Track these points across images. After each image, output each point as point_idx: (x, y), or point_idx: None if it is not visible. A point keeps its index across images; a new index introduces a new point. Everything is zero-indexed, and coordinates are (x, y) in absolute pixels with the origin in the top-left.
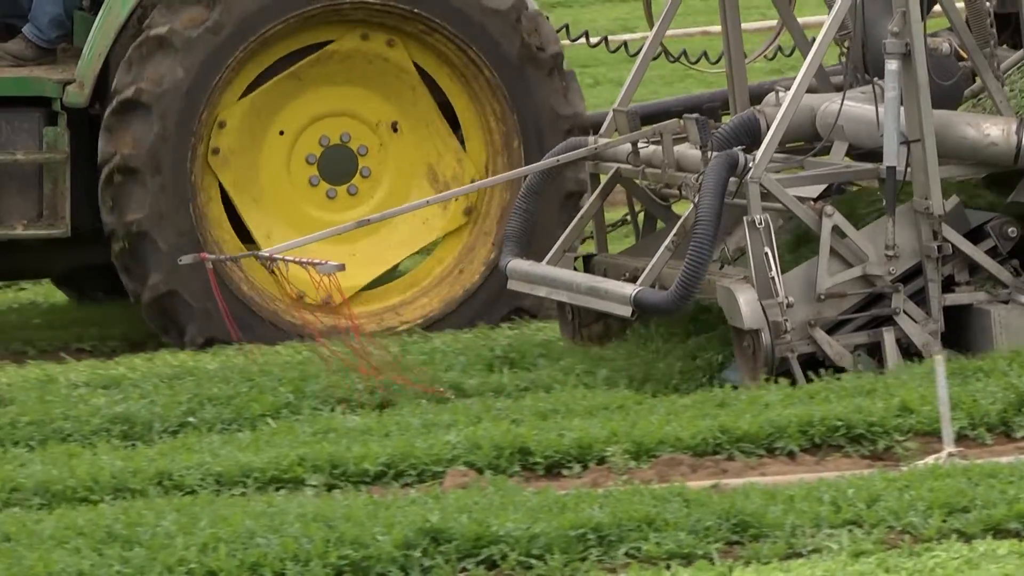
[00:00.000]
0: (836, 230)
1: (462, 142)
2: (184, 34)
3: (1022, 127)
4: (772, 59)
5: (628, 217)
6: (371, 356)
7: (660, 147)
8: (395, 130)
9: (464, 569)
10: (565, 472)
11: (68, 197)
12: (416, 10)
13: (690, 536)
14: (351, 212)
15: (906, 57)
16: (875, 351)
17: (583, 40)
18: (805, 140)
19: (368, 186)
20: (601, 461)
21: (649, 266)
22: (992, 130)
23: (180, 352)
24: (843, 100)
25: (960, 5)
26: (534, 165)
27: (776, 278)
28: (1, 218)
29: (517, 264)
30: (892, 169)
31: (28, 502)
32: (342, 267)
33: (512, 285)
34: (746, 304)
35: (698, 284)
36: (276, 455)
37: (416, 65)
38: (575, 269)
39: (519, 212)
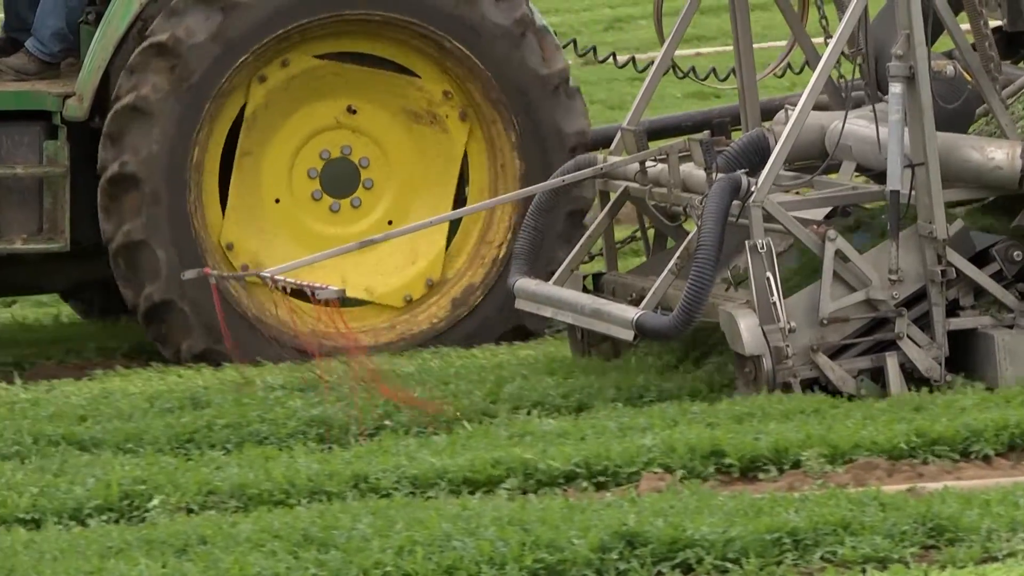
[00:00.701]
0: (839, 254)
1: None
2: (186, 42)
3: None
4: (781, 76)
5: (638, 234)
6: (375, 377)
7: (668, 166)
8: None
9: (660, 573)
10: (761, 476)
11: (68, 211)
12: (419, 22)
13: (886, 540)
14: (355, 226)
15: (910, 80)
16: (879, 376)
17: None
18: (816, 158)
19: (371, 199)
20: (796, 465)
21: (652, 290)
22: (997, 153)
23: (375, 356)
24: (844, 121)
25: (966, 27)
26: (544, 184)
27: (778, 303)
28: (1, 232)
29: (524, 283)
30: (896, 193)
31: (224, 505)
32: (342, 292)
33: (519, 304)
34: (747, 330)
35: (700, 309)
36: (472, 458)
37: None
38: (585, 287)
39: (528, 230)
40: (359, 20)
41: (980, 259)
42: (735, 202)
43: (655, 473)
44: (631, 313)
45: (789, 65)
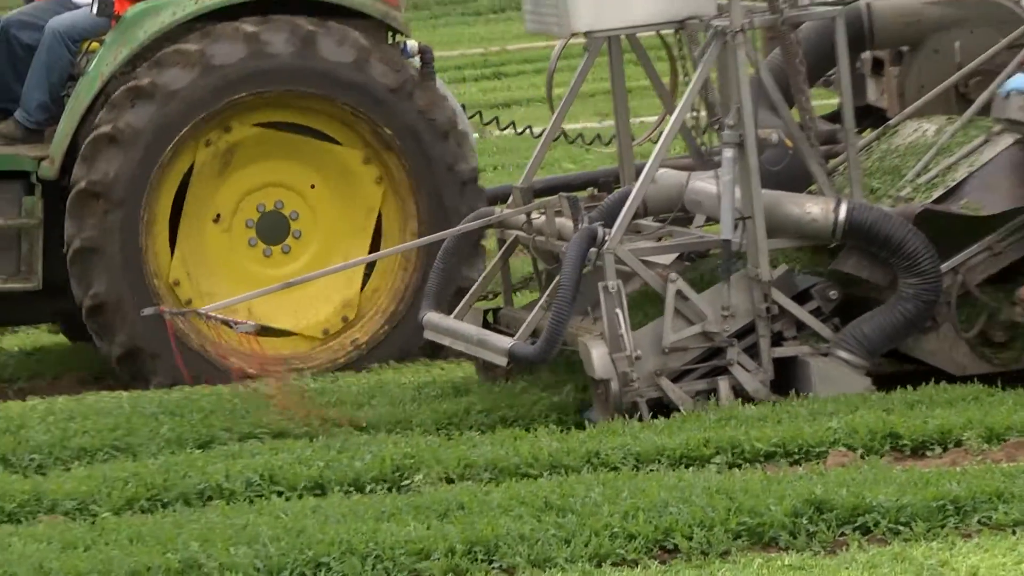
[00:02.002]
0: (679, 293)
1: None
2: (127, 131)
3: (839, 206)
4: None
5: (533, 275)
6: (295, 395)
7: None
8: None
9: (843, 534)
10: (928, 453)
11: (40, 256)
12: (332, 96)
13: None
14: (285, 268)
15: (740, 146)
16: (712, 396)
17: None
18: (679, 211)
19: (300, 246)
20: (958, 444)
21: (524, 323)
22: (813, 209)
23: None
24: (688, 180)
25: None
26: (451, 230)
27: (625, 335)
28: None
29: (431, 317)
30: (728, 242)
31: (479, 476)
32: (258, 327)
33: (427, 335)
34: (598, 357)
35: (559, 340)
36: (686, 438)
37: (330, 139)
38: (486, 320)
39: (437, 271)
40: (283, 94)
41: (802, 297)
42: (592, 249)
43: (840, 451)
44: (506, 343)
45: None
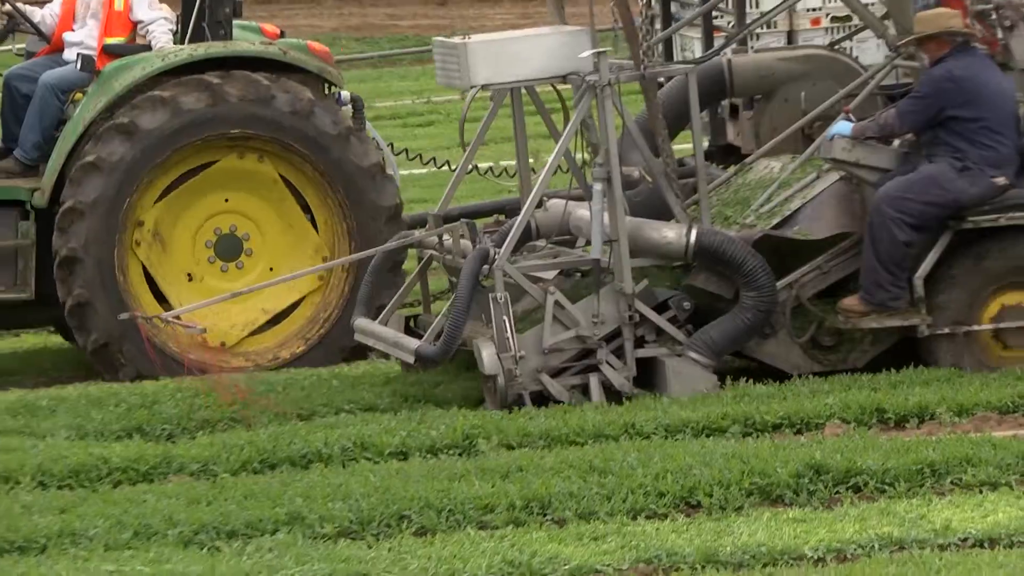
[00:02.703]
0: (557, 303)
1: (316, 226)
2: (108, 160)
3: (691, 231)
4: (555, 174)
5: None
6: (237, 388)
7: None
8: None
9: (837, 492)
10: (908, 425)
11: (34, 271)
12: (272, 141)
13: (996, 470)
14: (239, 281)
15: (607, 181)
16: (586, 390)
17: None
18: (568, 235)
19: (251, 262)
20: (933, 417)
21: (430, 328)
22: (669, 233)
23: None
24: (565, 207)
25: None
26: (378, 248)
27: (511, 338)
28: None
29: (361, 322)
30: (597, 261)
31: (535, 444)
32: (203, 330)
33: (357, 338)
34: (487, 356)
35: (456, 342)
36: (708, 412)
37: (279, 175)
38: (408, 325)
39: (366, 283)
40: (240, 136)
41: (661, 307)
42: (484, 266)
43: (835, 423)
44: (414, 344)
45: (560, 167)
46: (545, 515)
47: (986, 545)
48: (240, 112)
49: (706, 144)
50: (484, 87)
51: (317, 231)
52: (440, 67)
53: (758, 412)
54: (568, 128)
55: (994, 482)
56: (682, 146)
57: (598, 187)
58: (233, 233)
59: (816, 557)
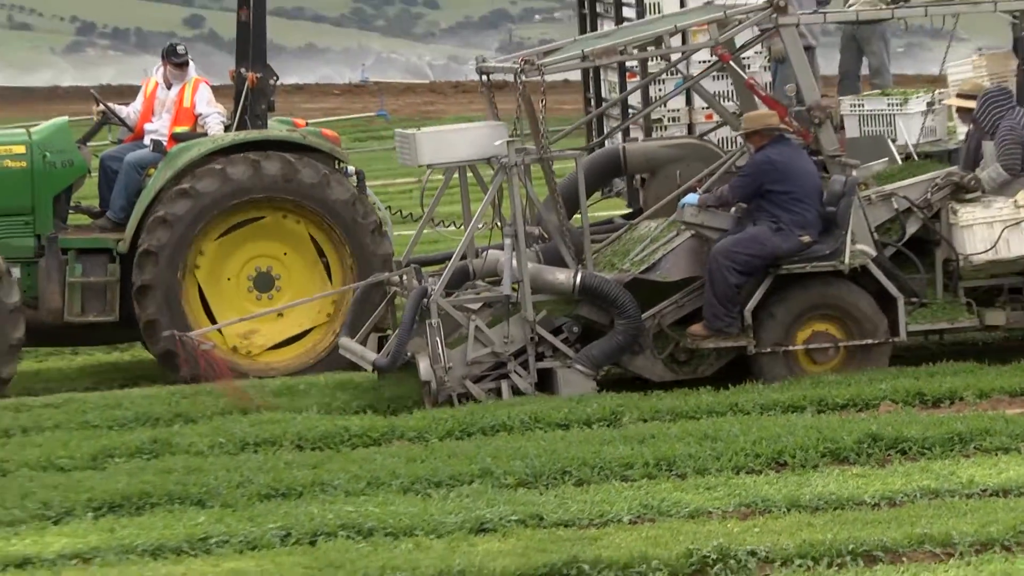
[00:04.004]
0: (477, 327)
1: (328, 270)
2: (173, 215)
3: (577, 275)
4: (491, 229)
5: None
6: (237, 387)
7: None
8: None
9: (889, 455)
10: (941, 405)
11: (118, 300)
12: (296, 203)
13: (1008, 439)
14: (270, 306)
15: (515, 237)
16: (499, 392)
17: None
18: (498, 277)
19: (280, 295)
20: (960, 399)
21: (387, 346)
22: (560, 276)
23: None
24: (485, 254)
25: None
26: (361, 283)
27: (442, 353)
28: (86, 312)
29: (343, 340)
30: (507, 296)
31: (663, 417)
32: (213, 345)
33: (341, 352)
34: (424, 367)
35: (400, 356)
36: (792, 394)
37: (299, 229)
38: (380, 343)
39: (350, 311)
40: (273, 199)
41: (556, 331)
42: (424, 299)
43: (887, 403)
44: (371, 356)
45: (500, 223)
46: (670, 471)
47: (1000, 495)
48: (273, 182)
49: (628, 208)
50: (429, 166)
51: (329, 273)
52: (399, 150)
53: (829, 395)
54: (486, 198)
55: (1007, 448)
56: (605, 212)
57: (507, 241)
58: (268, 272)
59: (872, 503)
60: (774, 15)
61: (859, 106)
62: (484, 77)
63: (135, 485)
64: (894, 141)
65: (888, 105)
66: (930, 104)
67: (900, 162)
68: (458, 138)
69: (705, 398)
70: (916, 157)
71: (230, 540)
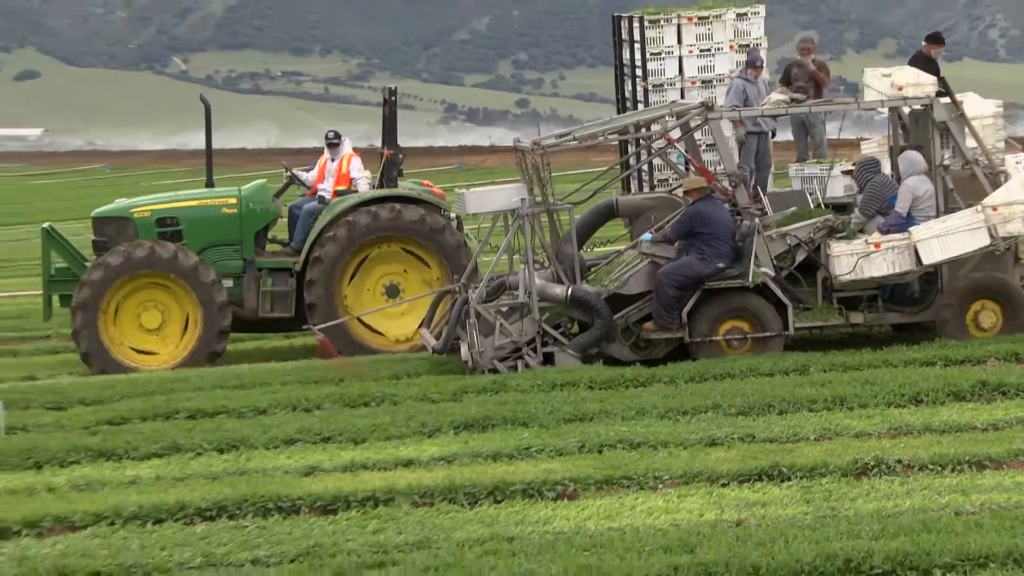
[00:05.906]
0: (502, 324)
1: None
2: (331, 246)
3: (568, 288)
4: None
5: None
6: (353, 365)
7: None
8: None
9: (994, 395)
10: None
11: (294, 303)
12: (412, 237)
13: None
14: (396, 309)
15: (527, 264)
16: (517, 368)
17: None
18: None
19: (402, 297)
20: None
21: (442, 336)
22: (557, 289)
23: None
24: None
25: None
26: (431, 292)
27: (477, 341)
28: (274, 310)
29: (423, 331)
30: (523, 303)
31: (835, 369)
32: (326, 337)
33: (420, 338)
34: (464, 351)
35: (448, 344)
36: (925, 353)
37: (415, 253)
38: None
39: (429, 311)
40: (392, 236)
41: (557, 327)
42: (466, 305)
43: (994, 360)
44: (432, 343)
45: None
46: (843, 405)
47: None
48: (403, 225)
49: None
50: (474, 214)
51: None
52: (456, 202)
53: (954, 354)
54: (507, 237)
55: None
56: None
57: (522, 267)
58: (395, 284)
59: (983, 428)
60: (704, 111)
61: (801, 170)
62: (518, 152)
63: (482, 412)
64: (824, 195)
65: (820, 170)
66: (844, 171)
67: (812, 207)
68: (492, 195)
69: (866, 356)
70: (823, 206)
71: (544, 449)
